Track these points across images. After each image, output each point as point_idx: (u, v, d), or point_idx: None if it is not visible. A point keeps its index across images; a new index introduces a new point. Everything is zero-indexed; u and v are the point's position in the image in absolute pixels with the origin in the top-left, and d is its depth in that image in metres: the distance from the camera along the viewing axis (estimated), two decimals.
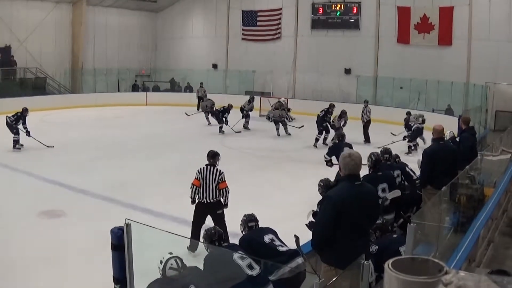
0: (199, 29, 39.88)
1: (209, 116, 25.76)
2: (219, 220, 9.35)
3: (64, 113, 29.46)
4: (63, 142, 20.58)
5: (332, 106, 21.65)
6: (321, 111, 21.35)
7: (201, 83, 33.58)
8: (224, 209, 9.66)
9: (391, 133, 21.65)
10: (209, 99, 27.47)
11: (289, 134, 23.42)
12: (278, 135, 23.31)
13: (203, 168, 9.75)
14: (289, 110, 27.48)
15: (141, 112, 29.63)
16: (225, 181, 9.68)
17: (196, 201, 9.71)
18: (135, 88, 38.70)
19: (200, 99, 32.09)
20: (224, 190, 9.64)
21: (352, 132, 19.45)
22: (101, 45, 38.58)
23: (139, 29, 41.21)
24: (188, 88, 37.59)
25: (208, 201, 9.55)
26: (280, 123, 23.50)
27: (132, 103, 32.96)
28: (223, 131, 23.68)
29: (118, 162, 17.41)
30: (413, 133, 20.29)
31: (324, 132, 21.05)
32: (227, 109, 24.12)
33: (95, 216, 11.47)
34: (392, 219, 8.18)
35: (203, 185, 9.59)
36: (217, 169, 9.72)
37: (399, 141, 20.24)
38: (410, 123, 21.00)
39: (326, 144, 19.83)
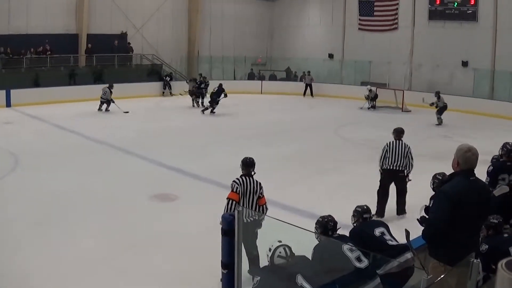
0: (315, 18, 39.71)
1: None
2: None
3: (179, 99, 30.15)
4: (177, 127, 21.12)
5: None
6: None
7: (309, 71, 35.47)
8: None
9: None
10: None
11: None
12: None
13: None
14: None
15: (257, 100, 29.80)
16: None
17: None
18: (251, 76, 39.17)
19: (307, 86, 33.79)
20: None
21: None
22: (217, 33, 39.27)
23: (255, 18, 41.48)
24: (304, 78, 37.74)
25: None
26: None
27: (248, 91, 33.37)
28: None
29: (231, 148, 17.53)
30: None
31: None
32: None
33: (206, 201, 11.65)
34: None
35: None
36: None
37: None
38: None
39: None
